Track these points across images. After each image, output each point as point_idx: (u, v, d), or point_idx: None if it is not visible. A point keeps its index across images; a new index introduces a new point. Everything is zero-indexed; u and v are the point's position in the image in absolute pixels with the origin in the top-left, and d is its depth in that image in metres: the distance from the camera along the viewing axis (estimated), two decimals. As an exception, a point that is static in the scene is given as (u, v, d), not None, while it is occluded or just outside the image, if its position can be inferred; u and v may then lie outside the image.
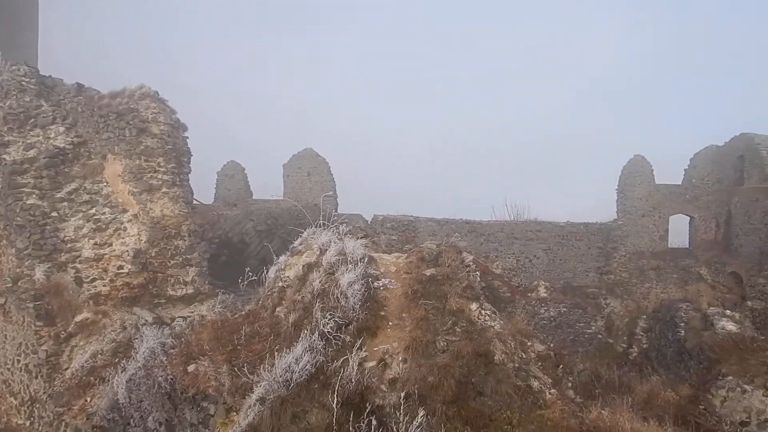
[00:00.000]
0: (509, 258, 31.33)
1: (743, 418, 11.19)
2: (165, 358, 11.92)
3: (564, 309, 25.57)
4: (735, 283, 28.36)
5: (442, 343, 9.98)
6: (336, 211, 31.86)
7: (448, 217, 31.91)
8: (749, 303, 25.22)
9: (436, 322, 10.35)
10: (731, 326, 14.79)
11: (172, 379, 11.44)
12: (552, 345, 12.91)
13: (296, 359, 9.55)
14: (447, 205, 56.18)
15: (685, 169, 32.97)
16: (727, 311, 16.85)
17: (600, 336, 25.68)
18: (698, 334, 15.31)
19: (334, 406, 8.68)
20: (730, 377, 11.54)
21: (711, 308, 17.24)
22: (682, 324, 17.54)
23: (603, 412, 9.47)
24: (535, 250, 31.47)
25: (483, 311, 11.04)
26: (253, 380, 9.85)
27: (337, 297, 10.90)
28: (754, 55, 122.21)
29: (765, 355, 12.01)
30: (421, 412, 8.42)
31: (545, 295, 26.47)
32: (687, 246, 33.20)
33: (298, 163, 33.64)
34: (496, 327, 10.85)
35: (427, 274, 11.70)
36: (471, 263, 14.05)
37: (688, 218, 33.23)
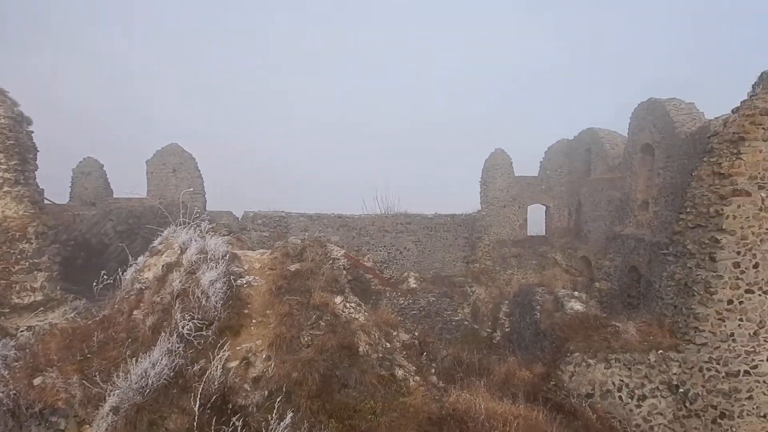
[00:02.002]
0: (381, 251, 31.93)
1: (588, 390, 12.12)
2: (7, 372, 10.91)
3: (433, 298, 26.44)
4: (585, 267, 30.69)
5: (306, 338, 9.94)
6: (205, 208, 30.81)
7: (320, 212, 31.95)
8: (597, 284, 27.34)
9: (300, 317, 10.29)
10: (578, 306, 16.00)
11: (15, 394, 10.48)
12: (417, 333, 13.25)
13: (153, 364, 9.09)
14: (320, 200, 56.28)
15: (540, 162, 35.13)
16: (575, 293, 18.22)
17: (467, 322, 26.82)
18: (551, 315, 16.40)
19: (195, 409, 8.38)
20: (577, 353, 12.44)
21: (562, 291, 18.50)
22: (538, 307, 18.75)
23: (462, 394, 9.88)
24: (405, 242, 32.29)
25: (348, 304, 11.13)
26: (106, 389, 9.28)
27: (198, 297, 10.52)
28: (601, 60, 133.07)
29: (606, 331, 13.07)
30: (285, 409, 8.34)
31: (415, 285, 27.21)
32: (544, 234, 35.44)
33: (162, 159, 32.06)
34: (360, 319, 10.98)
35: (292, 269, 11.60)
36: (340, 257, 14.13)
37: (544, 207, 35.47)
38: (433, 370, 11.74)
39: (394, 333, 12.10)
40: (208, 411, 8.55)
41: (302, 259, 12.13)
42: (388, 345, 11.06)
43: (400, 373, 10.37)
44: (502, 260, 32.67)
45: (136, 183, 33.05)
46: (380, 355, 10.45)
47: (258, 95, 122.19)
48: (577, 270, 31.13)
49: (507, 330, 25.72)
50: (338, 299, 11.05)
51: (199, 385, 8.71)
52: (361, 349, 10.17)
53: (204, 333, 9.97)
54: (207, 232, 12.96)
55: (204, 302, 10.40)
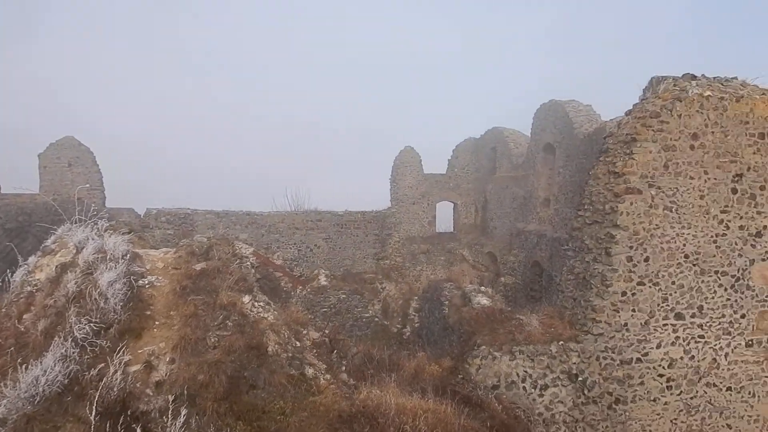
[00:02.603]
0: (291, 248, 31.56)
1: (494, 382, 12.47)
2: None
3: (343, 295, 26.42)
4: (491, 262, 31.66)
5: (213, 339, 9.64)
6: (104, 205, 29.30)
7: (228, 209, 31.16)
8: (503, 279, 28.30)
9: (206, 318, 9.96)
10: (485, 301, 16.43)
11: None
12: (328, 331, 13.17)
13: (45, 371, 8.52)
14: (228, 197, 54.91)
15: (448, 160, 35.89)
16: (482, 288, 18.69)
17: (377, 319, 26.99)
18: (459, 310, 16.73)
19: (92, 417, 7.91)
20: (483, 347, 12.77)
21: (469, 286, 18.94)
22: (446, 302, 19.08)
23: (372, 391, 9.90)
24: (315, 240, 32.07)
25: (256, 303, 10.89)
26: (-8, 400, 8.60)
27: (96, 299, 9.95)
28: (507, 61, 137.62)
29: (511, 324, 13.50)
30: (190, 413, 8.04)
31: (326, 283, 27.08)
32: (452, 230, 36.25)
33: (57, 153, 30.16)
34: (270, 318, 10.77)
35: (197, 268, 11.22)
36: (248, 255, 13.83)
37: (453, 204, 36.28)
38: (343, 368, 11.70)
39: (304, 331, 11.97)
40: (107, 419, 8.12)
41: (208, 258, 11.76)
42: (298, 344, 10.92)
43: (310, 371, 10.26)
44: (412, 257, 33.13)
45: (26, 178, 30.92)
46: (290, 354, 10.29)
47: (165, 92, 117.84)
48: (483, 265, 32.05)
49: (417, 325, 26.08)
50: (246, 298, 10.80)
51: (96, 391, 8.24)
52: (270, 348, 9.97)
53: (102, 337, 9.45)
54: (106, 231, 12.31)
55: (102, 304, 9.86)
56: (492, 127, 34.15)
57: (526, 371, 12.59)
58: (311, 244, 31.98)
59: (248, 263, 12.85)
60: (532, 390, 12.57)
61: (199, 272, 11.13)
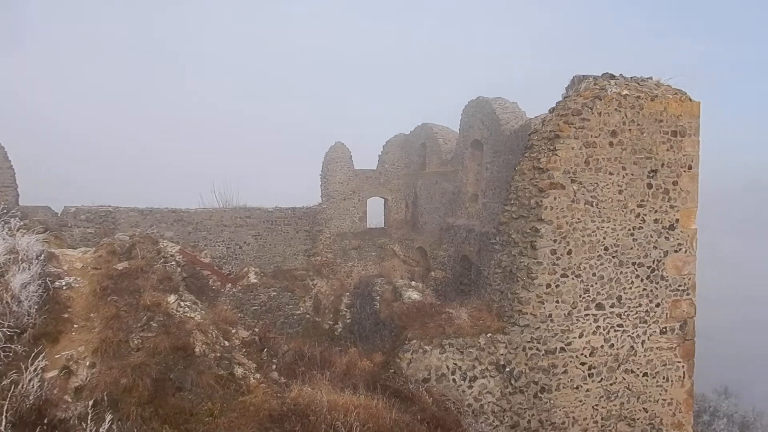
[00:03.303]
0: (219, 246, 30.92)
1: (425, 375, 12.62)
2: None
3: (274, 293, 26.08)
4: (422, 257, 32.01)
5: (136, 341, 9.30)
6: (17, 203, 27.78)
7: (152, 206, 30.20)
8: (433, 273, 28.67)
9: (129, 319, 9.61)
10: (415, 295, 16.61)
11: None
12: (257, 330, 12.96)
13: (-50, 381, 8.01)
14: (153, 194, 53.19)
15: (379, 155, 36.01)
16: (413, 282, 18.89)
17: (308, 316, 26.80)
18: (390, 305, 16.86)
19: (2, 428, 7.49)
20: (414, 341, 12.90)
21: (400, 281, 19.09)
22: (378, 297, 19.19)
23: (304, 388, 9.82)
24: (245, 237, 31.55)
25: (182, 303, 10.59)
26: None
27: (8, 302, 9.42)
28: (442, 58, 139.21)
29: (441, 318, 13.70)
30: (111, 419, 7.73)
31: (255, 280, 26.64)
32: (383, 226, 36.42)
33: (-37, 149, 28.45)
34: (197, 318, 10.50)
35: (119, 268, 10.81)
36: (174, 253, 13.43)
37: (383, 200, 36.44)
38: (274, 366, 11.54)
39: (233, 330, 11.74)
40: (21, 429, 7.70)
41: (131, 257, 11.35)
42: (227, 343, 10.70)
43: (239, 371, 10.07)
44: (343, 252, 33.10)
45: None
46: (218, 354, 10.06)
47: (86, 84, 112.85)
48: (414, 260, 32.37)
49: (348, 321, 26.10)
50: (172, 298, 10.48)
51: (6, 401, 7.80)
52: (197, 349, 9.72)
53: (16, 342, 8.96)
54: (18, 230, 11.67)
55: (15, 308, 9.35)
56: (421, 123, 34.47)
57: (455, 364, 12.81)
58: (240, 242, 31.44)
59: (174, 262, 12.47)
60: (462, 382, 12.80)
61: (121, 272, 10.72)
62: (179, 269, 12.64)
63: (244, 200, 33.36)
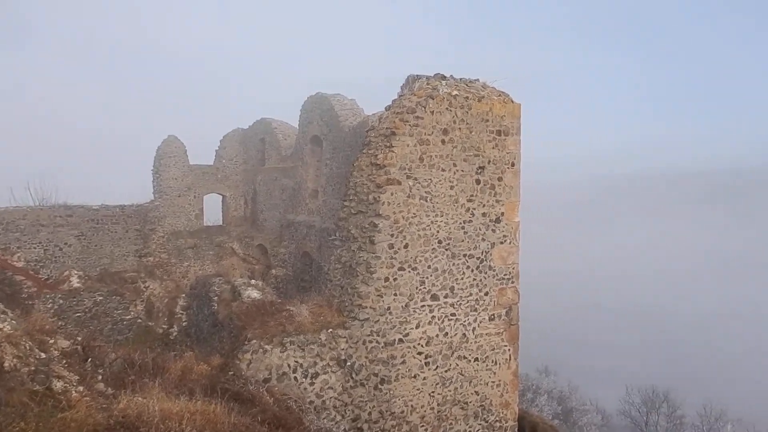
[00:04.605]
0: (35, 248, 28.04)
1: (266, 375, 12.38)
2: None
3: (100, 297, 24.23)
4: (262, 254, 31.48)
5: (-71, 360, 8.11)
6: None
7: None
8: (274, 271, 28.31)
9: None
10: (255, 294, 16.25)
11: None
12: (81, 338, 11.91)
13: None
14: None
15: (216, 150, 34.82)
16: (252, 281, 18.48)
17: (140, 320, 25.26)
18: (228, 305, 16.33)
19: None
20: (254, 341, 12.60)
21: (239, 279, 18.59)
22: (216, 297, 18.51)
23: (133, 399, 9.17)
24: (66, 237, 28.91)
25: (-12, 313, 9.41)
26: None
27: None
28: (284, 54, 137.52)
29: (282, 316, 13.52)
30: None
31: (79, 285, 24.58)
32: (221, 223, 35.28)
33: None
34: (6, 329, 9.37)
35: None
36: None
37: (221, 197, 35.31)
38: (100, 377, 10.68)
39: (51, 341, 10.67)
40: None
41: None
42: (44, 355, 9.68)
43: (58, 385, 9.15)
44: (178, 252, 31.58)
45: None
46: (33, 368, 9.07)
47: None
48: (254, 258, 31.74)
49: (185, 324, 24.92)
50: (-26, 309, 9.27)
51: None
52: (7, 363, 8.68)
53: None
54: None
55: None
56: (260, 117, 33.85)
57: (297, 361, 12.71)
58: (60, 243, 28.74)
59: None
60: (303, 379, 12.74)
61: None
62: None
63: (65, 198, 30.54)
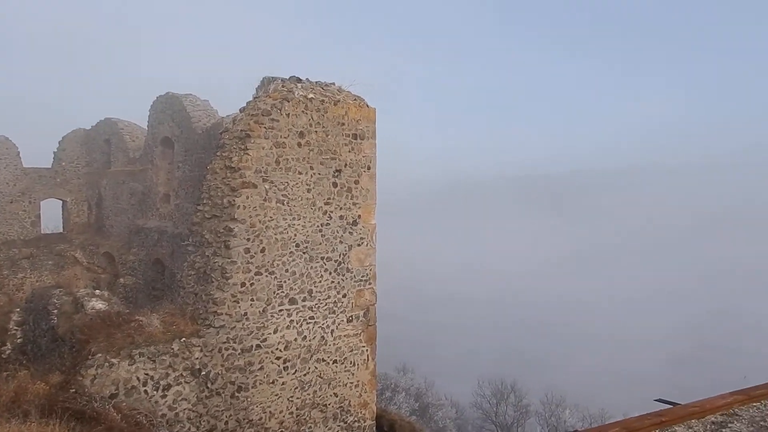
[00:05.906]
0: None
1: (112, 390, 11.67)
2: None
3: None
4: (108, 263, 29.51)
5: None
6: None
7: None
8: (122, 280, 26.64)
9: None
10: (100, 305, 15.25)
11: None
12: None
13: None
14: None
15: (54, 152, 32.17)
16: (97, 291, 17.34)
17: (-35, 339, 22.68)
18: (70, 318, 15.20)
19: None
20: (99, 354, 11.81)
21: (82, 290, 17.37)
22: (55, 311, 17.13)
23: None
24: None
25: None
26: None
27: None
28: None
29: (130, 327, 12.77)
30: None
31: None
32: (61, 231, 32.65)
33: None
34: None
35: None
36: None
37: (61, 202, 32.69)
38: None
39: None
40: None
41: None
42: None
43: None
44: (12, 263, 28.75)
45: None
46: None
47: None
48: (100, 267, 29.69)
49: (20, 341, 22.72)
50: None
51: None
52: None
53: None
54: None
55: None
56: (105, 117, 31.73)
57: (147, 374, 12.10)
58: None
59: None
60: (155, 392, 12.15)
61: None
62: None
63: None
